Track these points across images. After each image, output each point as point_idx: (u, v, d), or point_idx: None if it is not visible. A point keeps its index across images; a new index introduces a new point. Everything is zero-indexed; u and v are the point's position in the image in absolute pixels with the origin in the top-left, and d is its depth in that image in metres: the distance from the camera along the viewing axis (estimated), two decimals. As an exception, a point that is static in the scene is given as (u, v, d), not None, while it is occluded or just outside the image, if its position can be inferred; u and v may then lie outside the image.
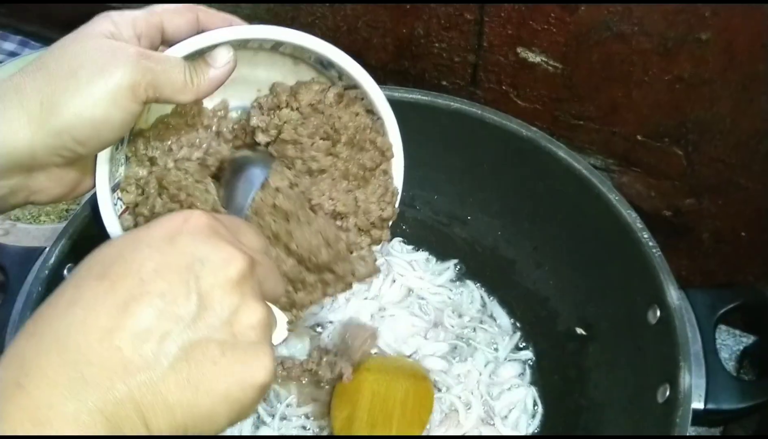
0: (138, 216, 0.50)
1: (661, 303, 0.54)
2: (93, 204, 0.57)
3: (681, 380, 0.50)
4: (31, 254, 0.57)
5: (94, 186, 0.48)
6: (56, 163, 0.43)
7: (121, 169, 0.50)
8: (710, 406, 0.50)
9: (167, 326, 0.33)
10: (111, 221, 0.48)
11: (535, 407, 0.64)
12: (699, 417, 0.50)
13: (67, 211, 0.79)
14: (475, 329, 0.68)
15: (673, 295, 0.54)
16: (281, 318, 0.42)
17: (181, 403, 0.33)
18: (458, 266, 0.73)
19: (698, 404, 0.50)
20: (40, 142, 0.41)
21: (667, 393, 0.51)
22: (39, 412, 0.31)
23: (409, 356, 0.67)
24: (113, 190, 0.49)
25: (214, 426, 0.35)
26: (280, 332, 0.41)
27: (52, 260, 0.56)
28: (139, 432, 0.33)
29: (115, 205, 0.49)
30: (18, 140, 0.41)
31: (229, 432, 0.62)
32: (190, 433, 0.34)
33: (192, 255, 0.35)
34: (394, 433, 0.57)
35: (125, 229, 0.49)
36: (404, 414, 0.59)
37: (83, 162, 0.46)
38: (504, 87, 0.73)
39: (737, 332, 0.72)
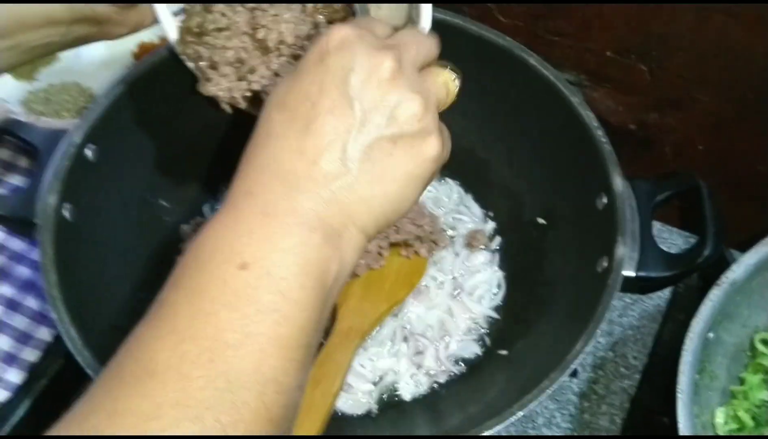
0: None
1: (607, 190, 0.61)
2: (109, 96, 0.65)
3: (616, 252, 0.58)
4: (58, 134, 0.65)
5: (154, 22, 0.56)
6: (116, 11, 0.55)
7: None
8: (641, 274, 0.58)
9: (344, 136, 0.39)
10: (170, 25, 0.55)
11: (499, 287, 0.72)
12: (632, 283, 0.58)
13: (85, 108, 0.87)
14: (453, 219, 0.75)
15: (618, 182, 0.61)
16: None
17: (375, 195, 0.40)
18: (439, 166, 0.80)
19: (631, 272, 0.58)
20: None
21: (605, 264, 0.59)
22: (266, 207, 0.39)
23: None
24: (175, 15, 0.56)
25: (409, 202, 0.42)
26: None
27: (76, 139, 0.64)
28: (347, 228, 0.40)
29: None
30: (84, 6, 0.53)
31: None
32: (391, 218, 0.42)
33: (343, 68, 0.40)
34: (385, 291, 0.65)
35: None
36: (397, 279, 0.67)
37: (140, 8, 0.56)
38: (488, 3, 0.79)
39: (675, 229, 0.81)
